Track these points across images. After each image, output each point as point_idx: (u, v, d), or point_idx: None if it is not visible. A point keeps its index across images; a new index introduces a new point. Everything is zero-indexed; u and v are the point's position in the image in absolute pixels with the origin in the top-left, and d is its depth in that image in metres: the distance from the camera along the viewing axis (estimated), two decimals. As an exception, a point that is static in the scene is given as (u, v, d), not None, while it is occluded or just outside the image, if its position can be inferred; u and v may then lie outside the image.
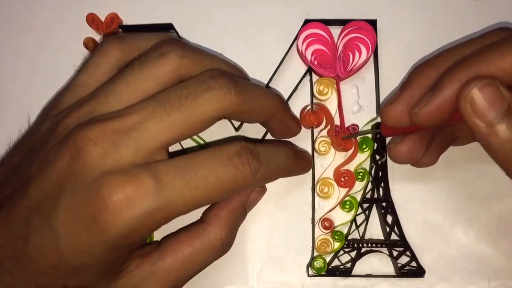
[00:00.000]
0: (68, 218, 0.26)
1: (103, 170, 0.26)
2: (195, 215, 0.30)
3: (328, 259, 0.35)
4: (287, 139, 0.36)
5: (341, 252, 0.35)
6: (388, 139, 0.36)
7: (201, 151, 0.28)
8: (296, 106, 0.37)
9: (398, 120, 0.29)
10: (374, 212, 0.36)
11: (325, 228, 0.35)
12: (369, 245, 0.35)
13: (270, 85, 0.37)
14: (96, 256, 0.26)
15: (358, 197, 0.36)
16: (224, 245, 0.31)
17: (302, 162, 0.33)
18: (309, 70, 0.37)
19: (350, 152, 0.36)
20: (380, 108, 0.30)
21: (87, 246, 0.26)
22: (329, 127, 0.36)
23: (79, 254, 0.26)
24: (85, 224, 0.25)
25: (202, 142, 0.35)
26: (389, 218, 0.36)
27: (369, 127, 0.36)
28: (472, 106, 0.25)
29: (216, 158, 0.27)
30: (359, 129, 0.36)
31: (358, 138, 0.36)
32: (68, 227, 0.25)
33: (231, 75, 0.29)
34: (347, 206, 0.35)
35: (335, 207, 0.35)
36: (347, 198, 0.36)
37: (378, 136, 0.36)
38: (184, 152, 0.36)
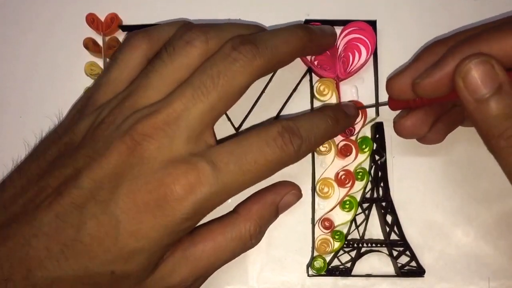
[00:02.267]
0: (130, 205, 0.27)
1: (162, 161, 0.28)
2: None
3: (328, 259, 0.35)
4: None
5: (341, 252, 0.35)
6: (387, 139, 0.36)
7: (247, 134, 0.29)
8: (296, 107, 0.37)
9: (402, 92, 0.31)
10: (374, 212, 0.36)
11: (325, 228, 0.35)
12: (369, 245, 0.35)
13: (269, 85, 0.37)
14: (153, 240, 0.28)
15: (358, 197, 0.36)
16: (252, 238, 0.32)
17: (344, 122, 0.33)
18: (309, 71, 0.37)
19: (352, 156, 0.36)
20: (386, 79, 0.32)
21: (148, 229, 0.27)
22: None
23: (137, 238, 0.27)
24: (148, 210, 0.27)
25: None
26: (389, 218, 0.36)
27: (368, 127, 0.36)
28: (464, 81, 0.26)
29: (262, 141, 0.29)
30: (355, 131, 0.36)
31: (358, 138, 0.36)
32: (130, 213, 0.27)
33: (250, 37, 0.30)
34: (347, 206, 0.35)
35: (335, 207, 0.36)
36: (347, 198, 0.36)
37: (377, 136, 0.36)
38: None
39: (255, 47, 0.29)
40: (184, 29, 0.31)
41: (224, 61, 0.29)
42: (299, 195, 0.34)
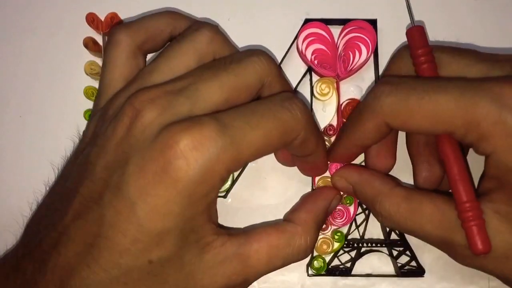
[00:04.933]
0: (140, 180, 0.25)
1: (163, 124, 0.26)
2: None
3: (328, 258, 0.35)
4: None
5: (341, 251, 0.35)
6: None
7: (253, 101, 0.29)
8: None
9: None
10: (374, 211, 0.36)
11: (322, 229, 0.35)
12: (369, 244, 0.35)
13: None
14: (175, 215, 0.25)
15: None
16: (307, 250, 0.31)
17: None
18: (309, 70, 0.37)
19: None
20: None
21: (165, 204, 0.25)
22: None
23: (158, 217, 0.25)
24: (157, 179, 0.25)
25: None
26: (389, 218, 0.36)
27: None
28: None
29: (270, 102, 0.28)
30: None
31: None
32: (142, 189, 0.25)
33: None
34: (348, 201, 0.35)
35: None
36: (346, 195, 0.35)
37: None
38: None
39: (271, 58, 0.30)
40: (195, 23, 0.32)
41: (239, 54, 0.30)
42: (340, 199, 0.35)
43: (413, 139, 0.34)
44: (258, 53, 0.30)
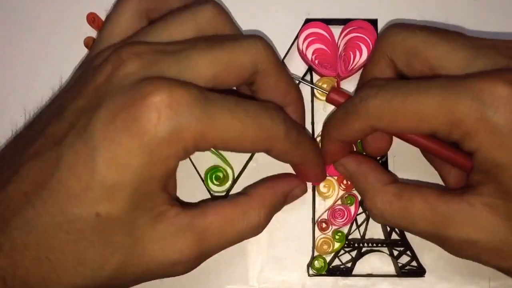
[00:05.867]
0: (107, 125, 0.24)
1: (145, 76, 0.25)
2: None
3: (328, 258, 0.35)
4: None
5: (342, 251, 0.35)
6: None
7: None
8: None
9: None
10: (375, 211, 0.36)
11: (322, 229, 0.35)
12: (370, 244, 0.35)
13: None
14: (133, 169, 0.25)
15: (359, 196, 0.36)
16: (260, 226, 0.31)
17: (321, 162, 0.34)
18: (310, 70, 0.37)
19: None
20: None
21: (125, 154, 0.24)
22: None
23: (115, 167, 0.25)
24: (125, 126, 0.24)
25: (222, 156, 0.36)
26: (390, 218, 0.36)
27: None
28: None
29: (257, 103, 0.28)
30: None
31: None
32: (106, 134, 0.24)
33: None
34: (349, 201, 0.35)
35: (332, 206, 0.35)
36: (347, 195, 0.35)
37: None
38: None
39: (271, 48, 0.30)
40: None
41: (237, 36, 0.30)
42: (305, 190, 0.34)
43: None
44: (256, 37, 0.29)
